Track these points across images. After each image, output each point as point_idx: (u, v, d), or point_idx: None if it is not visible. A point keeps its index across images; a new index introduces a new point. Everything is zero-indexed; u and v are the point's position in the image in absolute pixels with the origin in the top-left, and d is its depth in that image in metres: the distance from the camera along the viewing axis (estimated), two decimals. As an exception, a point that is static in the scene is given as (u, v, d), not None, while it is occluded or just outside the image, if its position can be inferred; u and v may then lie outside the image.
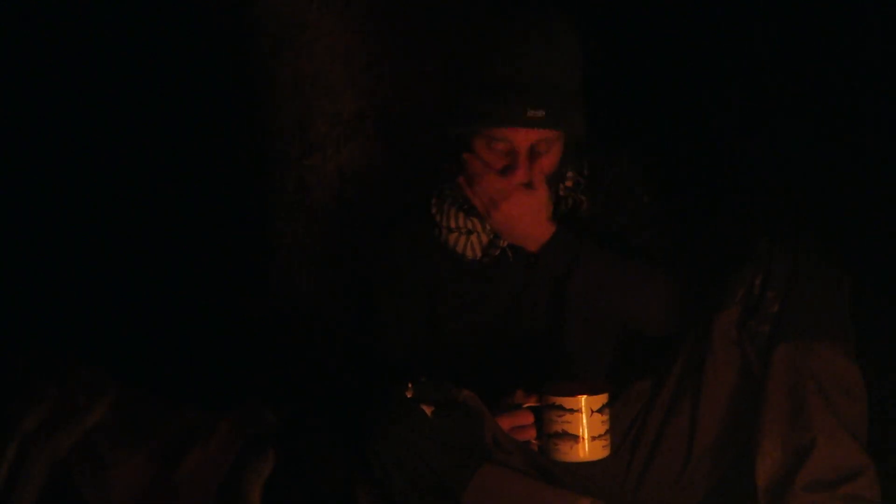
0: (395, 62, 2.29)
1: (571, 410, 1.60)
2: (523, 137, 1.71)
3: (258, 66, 2.35)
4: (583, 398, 1.60)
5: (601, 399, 1.61)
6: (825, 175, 2.36)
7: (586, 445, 1.61)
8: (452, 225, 1.83)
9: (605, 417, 1.62)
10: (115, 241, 2.39)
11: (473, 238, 1.83)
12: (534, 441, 1.67)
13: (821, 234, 2.03)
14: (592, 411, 1.60)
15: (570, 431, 1.61)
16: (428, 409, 1.55)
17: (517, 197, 1.72)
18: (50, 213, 2.37)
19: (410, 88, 2.22)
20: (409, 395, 1.57)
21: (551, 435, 1.62)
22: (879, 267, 1.98)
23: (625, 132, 2.53)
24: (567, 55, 1.73)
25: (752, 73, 2.47)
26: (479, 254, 1.83)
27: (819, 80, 2.31)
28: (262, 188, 2.39)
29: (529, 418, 1.67)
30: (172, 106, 2.39)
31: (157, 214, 2.41)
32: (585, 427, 1.60)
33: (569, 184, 1.84)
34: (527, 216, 1.73)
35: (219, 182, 2.40)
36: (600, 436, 1.62)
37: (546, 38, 1.71)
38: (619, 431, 1.72)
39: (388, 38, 2.31)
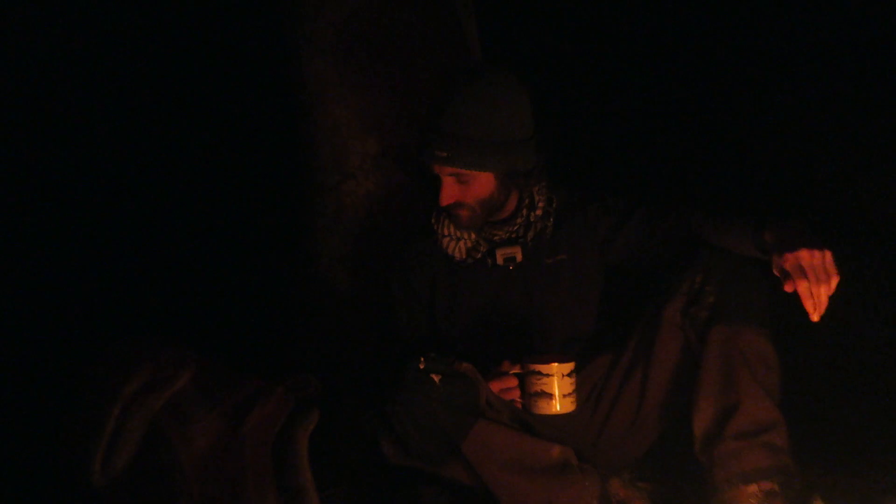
0: (410, 109, 2.44)
1: (547, 374, 1.84)
2: (437, 169, 1.93)
3: (307, 113, 2.51)
4: (555, 364, 1.84)
5: (569, 366, 1.85)
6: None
7: (559, 401, 1.84)
8: (446, 232, 2.05)
9: (573, 380, 1.86)
10: (203, 253, 2.62)
11: (461, 243, 2.04)
12: (518, 400, 1.88)
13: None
14: (563, 375, 1.84)
15: (546, 391, 1.83)
16: (436, 378, 1.76)
17: None
18: (155, 231, 2.63)
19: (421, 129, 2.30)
20: (421, 368, 1.77)
21: (531, 394, 1.85)
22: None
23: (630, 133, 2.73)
24: (489, 113, 1.88)
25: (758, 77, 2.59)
26: (464, 255, 2.05)
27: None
28: (308, 209, 2.55)
29: (514, 382, 1.88)
30: (242, 146, 2.62)
31: (230, 231, 2.64)
32: (557, 387, 1.84)
33: (539, 212, 2.04)
34: None
35: (275, 205, 2.61)
36: (569, 394, 1.85)
37: (470, 99, 1.88)
38: (584, 393, 1.95)
39: (404, 89, 2.47)
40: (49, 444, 1.93)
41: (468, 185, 1.95)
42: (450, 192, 1.95)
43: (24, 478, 1.98)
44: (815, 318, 1.66)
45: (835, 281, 1.65)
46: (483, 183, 1.95)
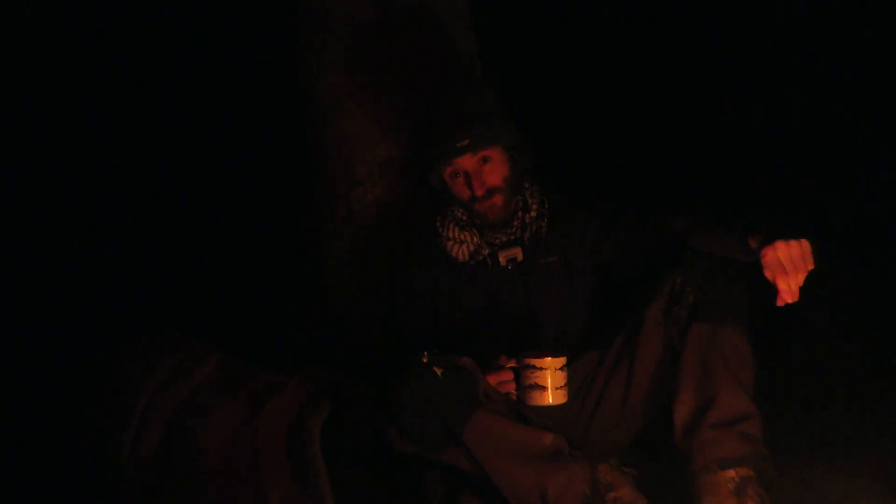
0: (414, 119, 2.46)
1: (541, 368, 1.89)
2: (464, 162, 2.05)
3: (318, 124, 2.60)
4: (548, 359, 1.90)
5: (561, 361, 1.92)
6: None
7: (551, 393, 1.90)
8: (450, 235, 2.13)
9: (565, 374, 1.92)
10: (221, 256, 2.72)
11: (464, 247, 2.12)
12: (513, 392, 1.95)
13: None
14: (556, 369, 1.90)
15: (540, 383, 1.90)
16: (438, 371, 1.82)
17: None
18: (188, 243, 2.74)
19: (426, 139, 2.25)
20: (424, 362, 1.83)
21: (526, 387, 1.91)
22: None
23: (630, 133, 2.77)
24: (487, 98, 2.07)
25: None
26: (467, 257, 2.12)
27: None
28: (320, 214, 2.61)
29: (510, 375, 1.94)
30: (258, 155, 2.73)
31: (246, 235, 2.74)
32: (550, 380, 1.89)
33: (533, 214, 2.13)
34: None
35: (289, 211, 2.68)
36: (561, 386, 1.91)
37: (469, 95, 2.07)
38: (574, 386, 2.01)
39: (408, 101, 2.53)
40: (79, 435, 1.99)
41: (492, 165, 2.07)
42: (480, 178, 2.06)
43: (55, 468, 2.03)
44: (780, 304, 1.73)
45: (809, 268, 1.69)
46: (500, 160, 2.09)
